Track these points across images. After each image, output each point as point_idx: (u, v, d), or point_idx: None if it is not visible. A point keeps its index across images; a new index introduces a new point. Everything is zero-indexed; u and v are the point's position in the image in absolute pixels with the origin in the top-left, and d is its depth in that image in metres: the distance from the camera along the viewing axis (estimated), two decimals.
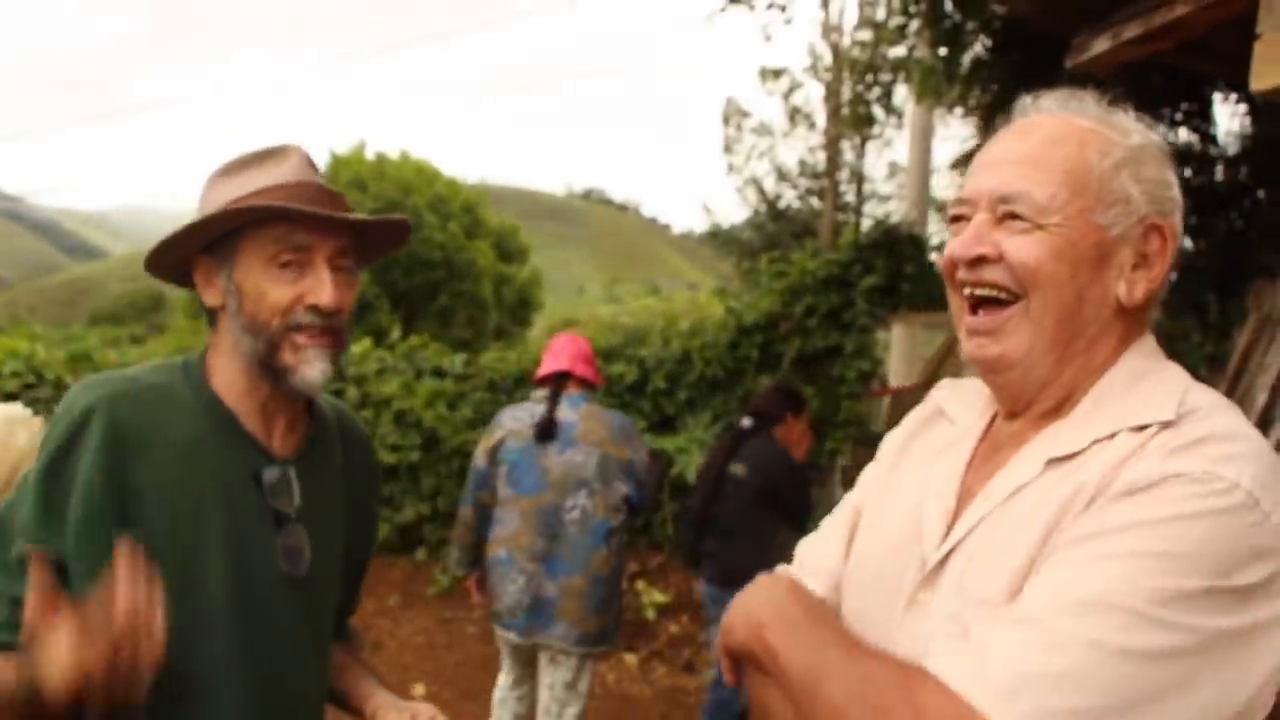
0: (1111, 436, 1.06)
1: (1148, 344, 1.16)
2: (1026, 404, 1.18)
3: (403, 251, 21.19)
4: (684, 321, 8.42)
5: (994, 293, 1.13)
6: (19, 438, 3.62)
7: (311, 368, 1.49)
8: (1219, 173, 6.34)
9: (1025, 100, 1.23)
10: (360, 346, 9.14)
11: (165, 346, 10.50)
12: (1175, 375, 1.12)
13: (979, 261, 1.13)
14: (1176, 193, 1.14)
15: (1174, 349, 5.72)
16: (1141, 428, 1.04)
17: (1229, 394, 5.19)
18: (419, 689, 5.84)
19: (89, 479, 1.38)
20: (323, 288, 1.45)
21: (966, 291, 1.17)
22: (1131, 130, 1.16)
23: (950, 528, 1.16)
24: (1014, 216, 1.11)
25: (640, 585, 7.06)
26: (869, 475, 1.44)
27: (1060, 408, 1.15)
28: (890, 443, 1.44)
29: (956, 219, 1.19)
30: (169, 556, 1.38)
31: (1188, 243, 6.49)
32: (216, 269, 1.50)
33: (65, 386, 8.75)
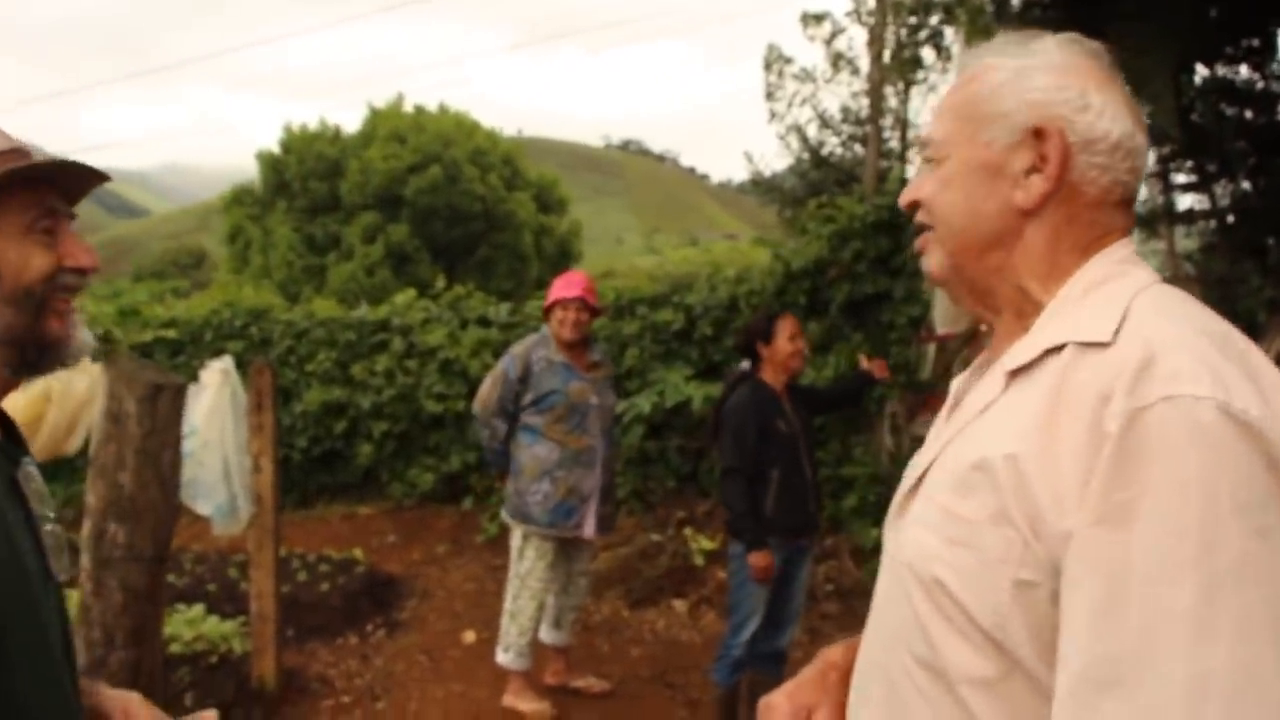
0: (1060, 349, 1.08)
1: (1117, 251, 1.19)
2: (990, 316, 1.27)
3: (443, 203, 21.22)
4: (729, 269, 8.36)
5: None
6: (78, 384, 3.69)
7: (81, 332, 1.41)
8: (1279, 111, 6.16)
9: (965, 54, 1.35)
10: (404, 296, 9.17)
11: (210, 299, 10.59)
12: (1131, 280, 1.13)
13: (913, 207, 1.29)
14: (1077, 94, 1.18)
15: (1232, 293, 5.60)
16: (1088, 344, 1.06)
17: None
18: (469, 636, 5.88)
19: None
20: (80, 249, 1.39)
21: None
22: (1033, 52, 1.23)
23: None
24: (929, 160, 1.27)
25: (688, 532, 7.07)
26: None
27: (1020, 318, 1.21)
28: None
29: None
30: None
31: (1245, 185, 6.33)
32: None
33: (115, 340, 8.85)
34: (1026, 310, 1.20)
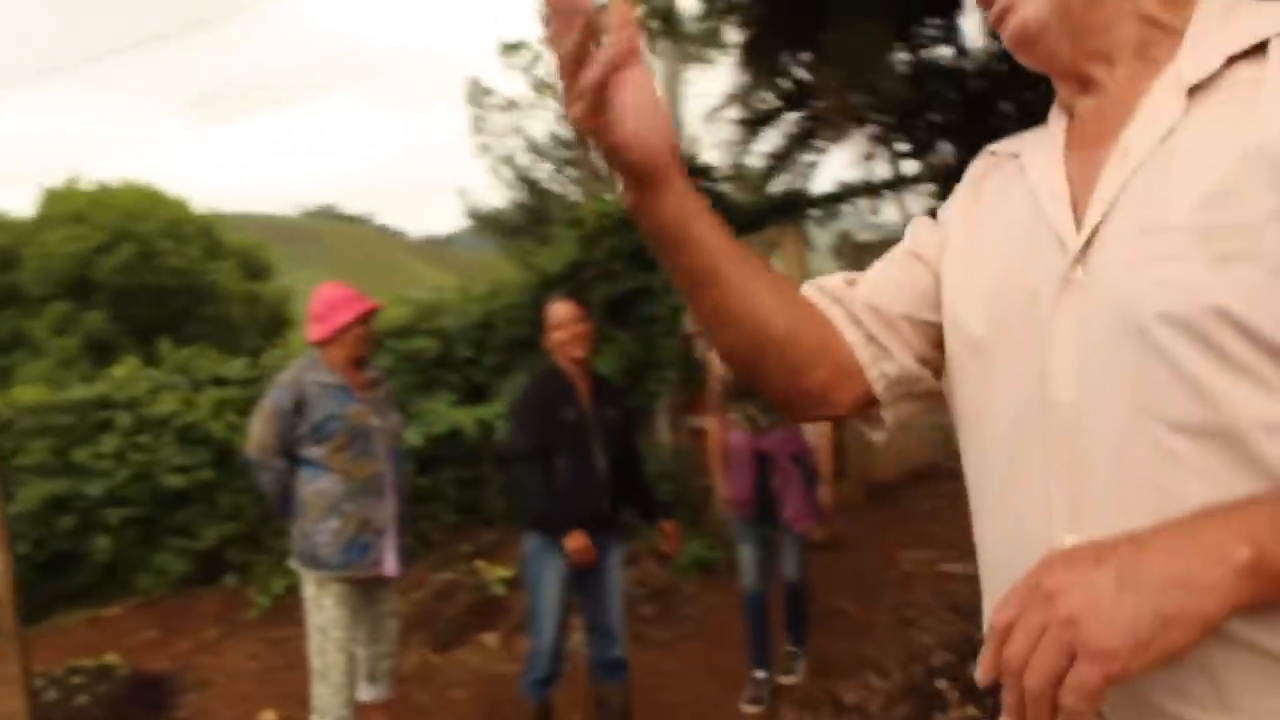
0: (1259, 49, 0.94)
1: None
2: (1097, 68, 1.08)
3: (140, 282, 19.79)
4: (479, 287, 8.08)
5: None
6: None
7: None
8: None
9: None
10: (125, 368, 8.31)
11: None
12: None
13: None
14: None
15: None
16: None
17: None
18: (269, 715, 5.28)
19: None
20: None
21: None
22: None
23: (1077, 209, 1.04)
24: None
25: (480, 565, 6.69)
26: (924, 224, 1.31)
27: (1143, 52, 1.05)
28: (950, 206, 1.29)
29: None
30: None
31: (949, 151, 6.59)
32: None
33: None
34: (1152, 40, 1.05)
